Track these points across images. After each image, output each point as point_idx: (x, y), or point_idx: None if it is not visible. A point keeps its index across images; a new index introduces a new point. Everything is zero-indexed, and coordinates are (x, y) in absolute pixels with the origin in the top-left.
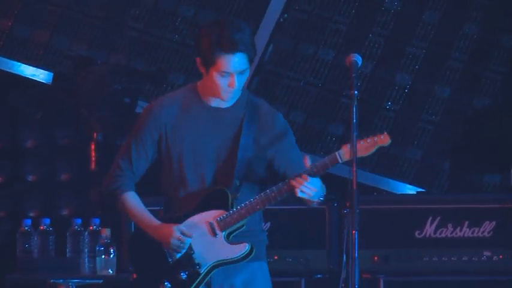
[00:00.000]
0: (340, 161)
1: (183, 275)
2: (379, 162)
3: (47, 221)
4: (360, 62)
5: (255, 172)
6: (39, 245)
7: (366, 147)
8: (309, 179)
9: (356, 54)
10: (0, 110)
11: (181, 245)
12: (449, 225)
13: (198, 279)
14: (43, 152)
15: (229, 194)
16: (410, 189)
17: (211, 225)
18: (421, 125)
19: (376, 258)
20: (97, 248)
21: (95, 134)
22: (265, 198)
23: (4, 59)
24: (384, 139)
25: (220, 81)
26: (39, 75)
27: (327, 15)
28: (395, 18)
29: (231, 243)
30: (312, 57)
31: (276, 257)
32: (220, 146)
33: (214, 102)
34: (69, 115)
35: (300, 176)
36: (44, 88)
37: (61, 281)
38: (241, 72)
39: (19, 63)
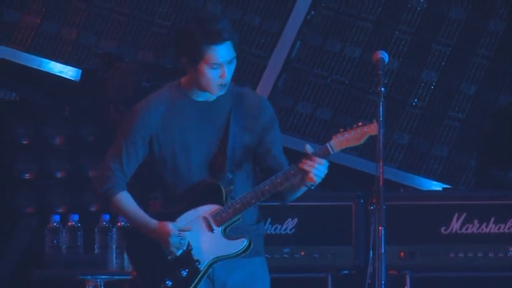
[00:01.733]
0: (331, 152)
1: (184, 273)
2: (406, 158)
3: (76, 217)
4: (386, 59)
5: (245, 163)
6: (68, 241)
7: (356, 137)
8: (322, 161)
9: (382, 52)
10: (28, 107)
11: (181, 242)
12: (475, 222)
13: (199, 276)
14: (71, 148)
15: (222, 188)
16: (437, 186)
17: (207, 220)
18: (447, 121)
19: (402, 254)
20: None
21: None
22: (260, 192)
23: (33, 56)
24: (374, 128)
25: (211, 74)
26: (67, 72)
27: (353, 12)
28: (422, 15)
29: (229, 238)
30: (339, 55)
31: (303, 253)
32: (211, 140)
33: (201, 97)
34: (96, 112)
35: (311, 159)
36: (71, 85)
37: (89, 277)
38: (230, 62)
39: (47, 60)
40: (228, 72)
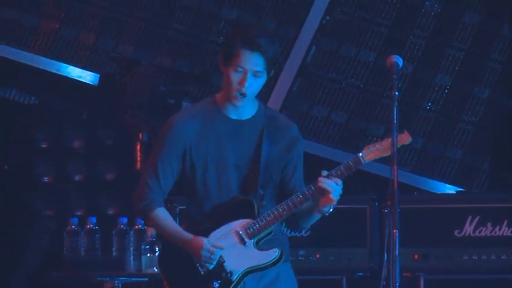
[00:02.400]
0: (363, 162)
1: (216, 284)
2: (420, 162)
3: (94, 220)
4: (400, 64)
5: (274, 181)
6: (86, 243)
7: (387, 147)
8: (339, 180)
9: (397, 56)
10: (47, 111)
11: (213, 256)
12: (489, 224)
13: (231, 287)
14: (89, 152)
15: (255, 203)
16: (450, 189)
17: (239, 234)
18: (461, 125)
19: (416, 256)
20: (142, 247)
21: (140, 135)
22: (292, 204)
23: (51, 61)
24: (405, 137)
25: (233, 77)
26: (86, 76)
27: (368, 17)
28: (436, 20)
29: (261, 249)
30: (354, 59)
31: (318, 256)
32: (243, 157)
33: (234, 114)
34: (114, 116)
35: (328, 177)
36: (90, 89)
37: (107, 278)
38: (255, 74)
39: (66, 65)
40: (248, 82)
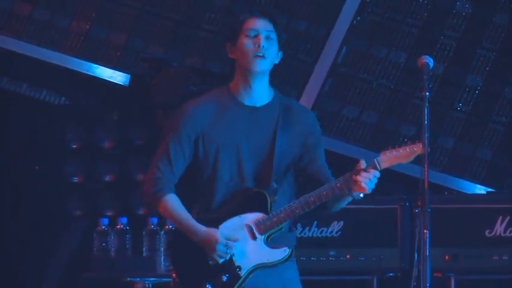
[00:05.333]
0: (378, 169)
1: (224, 278)
2: (450, 162)
3: (124, 220)
4: (431, 64)
5: (289, 174)
6: (116, 243)
7: (405, 155)
8: (376, 172)
9: (427, 57)
10: (78, 111)
11: (228, 250)
12: None
13: (239, 282)
14: (119, 152)
15: (268, 197)
16: (481, 189)
17: (250, 228)
18: (492, 126)
19: (447, 257)
20: None
21: None
22: (305, 203)
23: (82, 61)
24: (422, 148)
25: (247, 43)
26: (116, 77)
27: (399, 18)
28: (467, 21)
29: (271, 246)
30: (384, 60)
31: (348, 256)
32: (256, 145)
33: (248, 101)
34: (145, 116)
35: (365, 170)
36: (120, 90)
37: (137, 279)
38: (267, 37)
39: (96, 65)
40: (263, 42)
